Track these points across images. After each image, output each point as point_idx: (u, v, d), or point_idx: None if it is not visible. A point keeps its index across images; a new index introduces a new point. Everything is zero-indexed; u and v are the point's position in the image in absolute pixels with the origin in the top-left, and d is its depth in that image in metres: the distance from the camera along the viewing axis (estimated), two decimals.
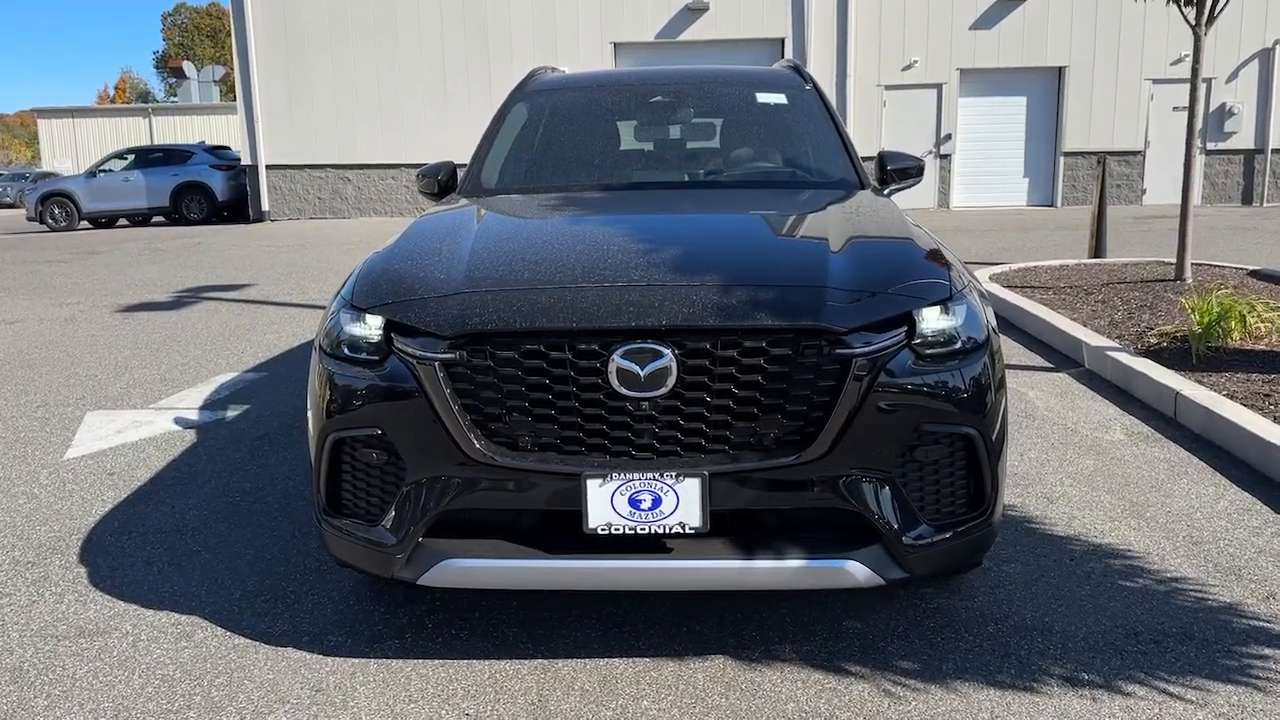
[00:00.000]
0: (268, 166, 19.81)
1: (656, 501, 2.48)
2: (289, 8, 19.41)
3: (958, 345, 2.64)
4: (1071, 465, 4.28)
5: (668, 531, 2.49)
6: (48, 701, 2.62)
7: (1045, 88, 19.38)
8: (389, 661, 2.77)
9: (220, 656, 2.83)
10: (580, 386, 2.47)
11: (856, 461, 2.51)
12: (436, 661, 2.76)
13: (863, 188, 3.85)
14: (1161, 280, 8.29)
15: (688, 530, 2.49)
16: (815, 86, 4.38)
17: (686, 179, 4.16)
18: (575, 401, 2.48)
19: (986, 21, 19.09)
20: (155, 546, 3.62)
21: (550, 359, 2.47)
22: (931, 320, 2.61)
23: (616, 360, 2.43)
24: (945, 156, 19.51)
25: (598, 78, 4.73)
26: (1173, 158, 18.15)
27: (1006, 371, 2.90)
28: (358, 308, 2.73)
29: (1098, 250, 10.08)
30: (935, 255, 2.92)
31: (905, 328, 2.57)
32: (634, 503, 2.48)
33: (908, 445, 2.54)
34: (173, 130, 42.12)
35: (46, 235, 19.35)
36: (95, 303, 9.57)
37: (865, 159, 4.05)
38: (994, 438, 2.66)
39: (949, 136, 19.40)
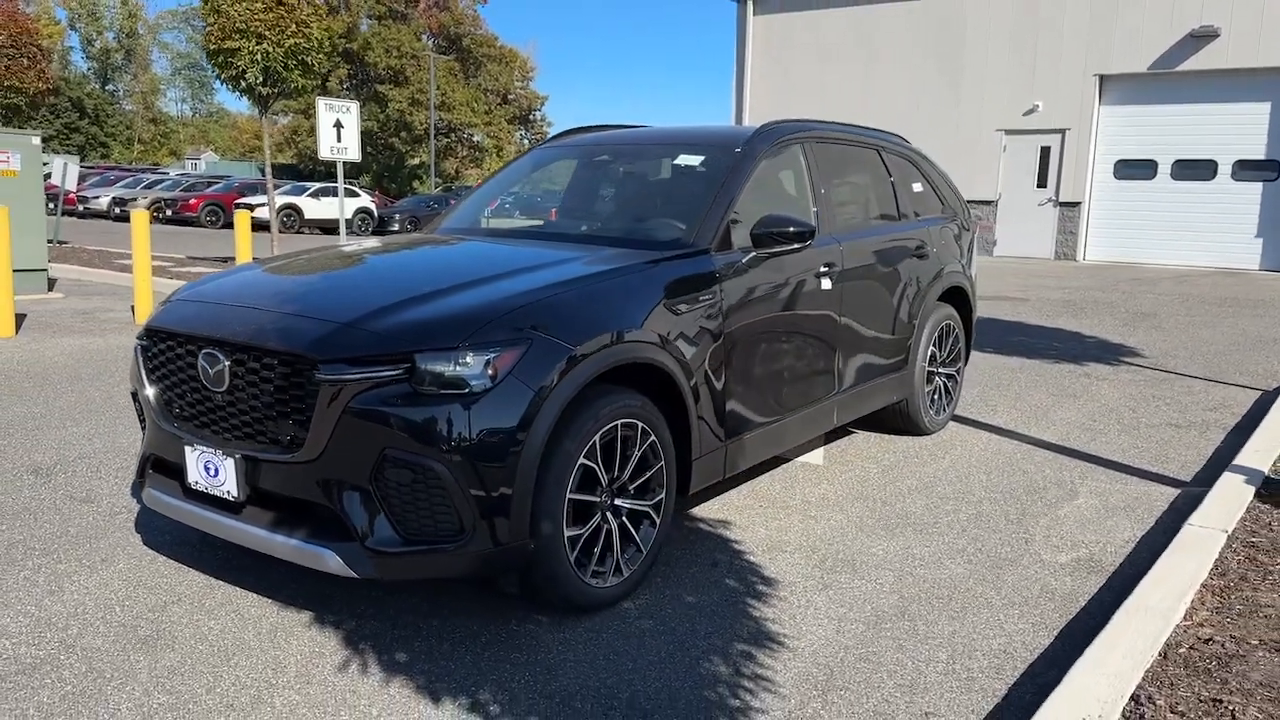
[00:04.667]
0: None
1: (216, 471, 3.28)
2: (782, 36, 21.03)
3: (461, 389, 2.99)
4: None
5: (223, 496, 3.28)
6: None
7: None
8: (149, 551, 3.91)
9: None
10: (186, 375, 3.37)
11: (338, 469, 3.04)
12: (166, 560, 3.83)
13: (694, 249, 3.95)
14: None
15: (231, 497, 3.25)
16: (749, 150, 4.41)
17: (564, 233, 4.54)
18: (185, 386, 3.38)
19: None
20: None
21: (175, 352, 3.41)
22: (429, 363, 2.99)
23: (200, 359, 3.29)
24: None
25: (587, 139, 5.20)
26: None
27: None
28: None
29: None
30: (492, 315, 3.12)
31: (408, 365, 3.01)
32: (207, 469, 3.31)
33: (377, 464, 2.99)
34: None
35: None
36: None
37: None
38: (470, 474, 2.95)
39: None
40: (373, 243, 4.49)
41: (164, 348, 3.48)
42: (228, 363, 3.21)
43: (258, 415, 3.19)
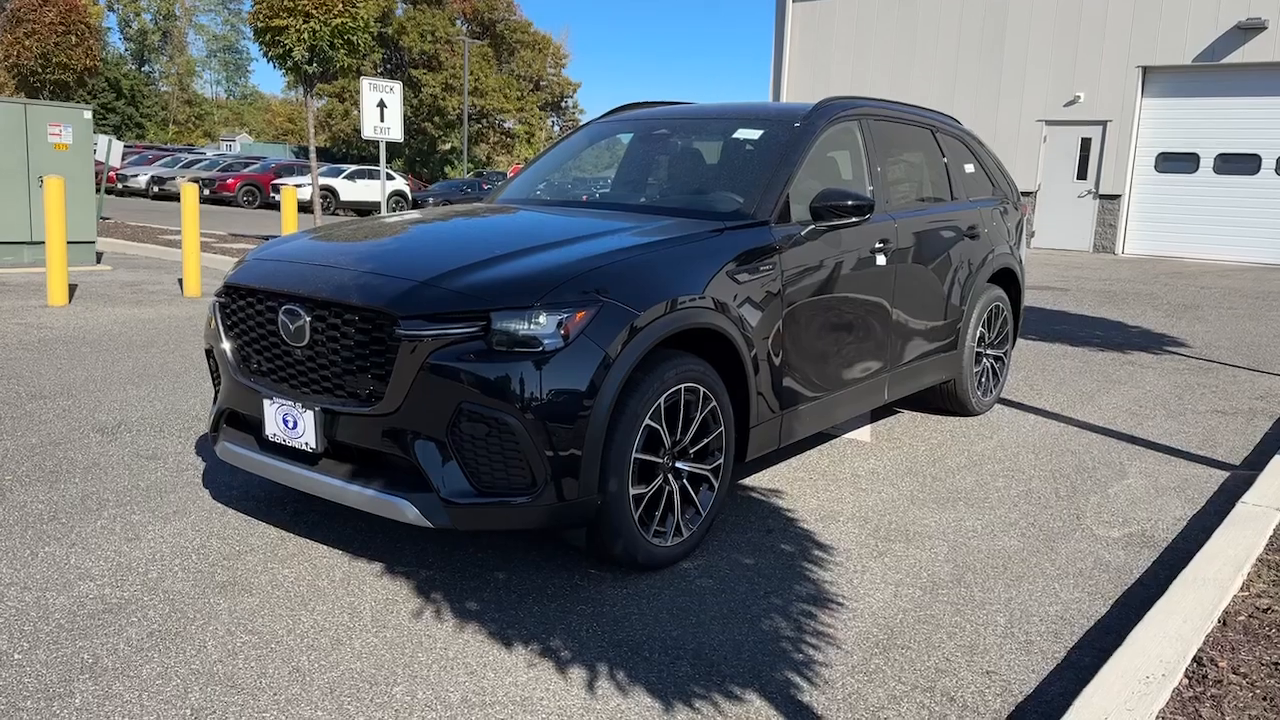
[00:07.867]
0: None
1: (295, 424, 3.37)
2: (821, 24, 20.95)
3: (535, 348, 3.07)
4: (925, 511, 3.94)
5: (302, 448, 3.38)
6: None
7: None
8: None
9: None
10: (265, 330, 3.47)
11: (416, 421, 3.12)
12: (236, 513, 3.95)
13: (754, 221, 4.01)
14: None
15: (309, 449, 3.35)
16: (808, 125, 4.47)
17: (623, 204, 4.58)
18: (263, 341, 3.48)
19: None
20: None
21: (254, 308, 3.50)
22: (505, 321, 3.08)
23: (280, 315, 3.38)
24: None
25: (643, 114, 5.25)
26: None
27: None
28: None
29: None
30: (565, 276, 3.22)
31: (483, 322, 3.09)
32: (285, 421, 3.40)
33: (453, 418, 3.08)
34: None
35: None
36: None
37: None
38: (542, 429, 3.03)
39: None
40: (438, 211, 4.58)
41: (243, 304, 3.58)
42: (308, 318, 3.31)
43: (337, 369, 3.28)
